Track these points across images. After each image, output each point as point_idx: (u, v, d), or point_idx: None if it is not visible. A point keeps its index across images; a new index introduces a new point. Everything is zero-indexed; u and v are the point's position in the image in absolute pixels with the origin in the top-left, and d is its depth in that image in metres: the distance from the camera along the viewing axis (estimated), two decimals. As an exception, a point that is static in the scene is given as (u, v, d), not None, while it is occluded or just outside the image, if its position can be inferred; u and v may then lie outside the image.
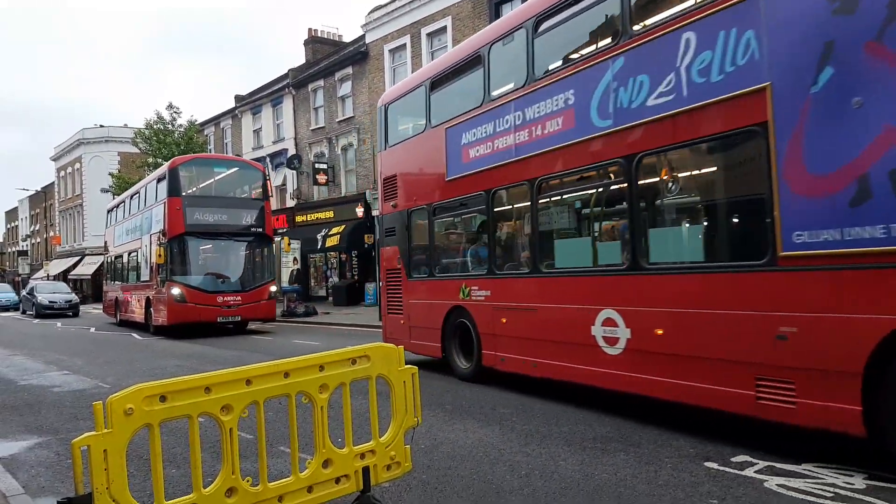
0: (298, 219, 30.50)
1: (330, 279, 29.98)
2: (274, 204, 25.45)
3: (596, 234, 6.85)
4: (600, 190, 6.89)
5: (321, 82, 30.08)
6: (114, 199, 29.27)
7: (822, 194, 4.47)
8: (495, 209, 8.13)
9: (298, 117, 31.49)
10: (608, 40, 6.44)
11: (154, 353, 13.73)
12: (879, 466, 4.39)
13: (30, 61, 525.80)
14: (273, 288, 18.54)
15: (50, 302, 30.05)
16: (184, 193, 17.85)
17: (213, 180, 19.50)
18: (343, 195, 28.29)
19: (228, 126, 37.51)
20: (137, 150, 34.80)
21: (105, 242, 26.34)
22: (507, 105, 7.68)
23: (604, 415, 6.41)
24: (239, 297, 17.40)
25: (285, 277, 24.05)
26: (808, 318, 4.54)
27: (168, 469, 4.56)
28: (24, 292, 35.65)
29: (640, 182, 6.01)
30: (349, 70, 28.21)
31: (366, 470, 3.74)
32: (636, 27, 6.05)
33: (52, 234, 58.96)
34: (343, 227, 26.41)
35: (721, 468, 4.66)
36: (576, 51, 7.07)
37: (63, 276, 49.90)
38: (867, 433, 4.26)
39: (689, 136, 5.52)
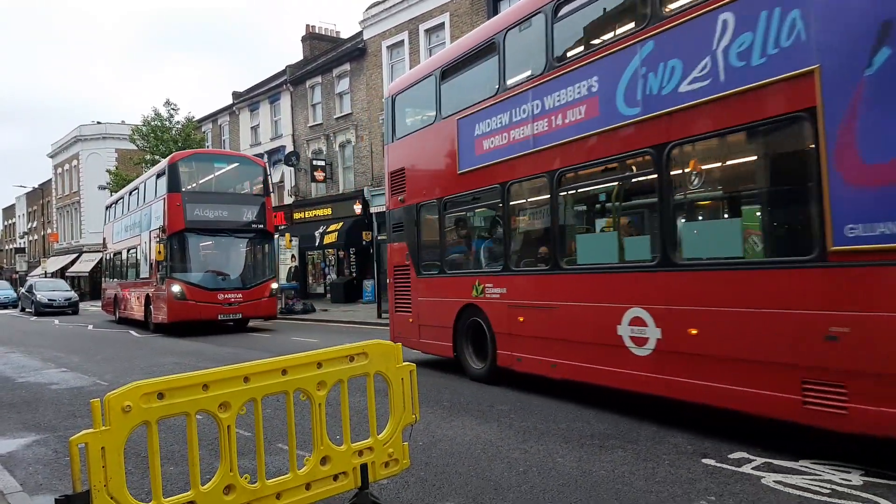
0: (296, 216, 30.12)
1: (328, 276, 29.71)
2: (272, 200, 25.11)
3: (622, 228, 6.50)
4: (628, 182, 6.54)
5: (319, 79, 29.66)
6: (111, 195, 28.92)
7: (877, 184, 4.17)
8: (511, 203, 7.79)
9: (296, 114, 31.09)
10: (635, 24, 6.11)
11: (152, 350, 13.54)
12: (876, 463, 4.41)
13: (29, 59, 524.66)
14: (274, 285, 18.25)
15: (49, 300, 29.72)
16: (184, 189, 17.50)
17: (213, 176, 19.15)
18: (341, 192, 27.97)
19: (226, 123, 37.08)
20: (135, 147, 34.39)
21: (103, 239, 25.98)
22: (524, 94, 7.34)
23: (601, 412, 6.37)
24: (240, 295, 17.09)
25: (283, 274, 23.78)
26: (862, 316, 4.25)
27: (166, 466, 4.55)
28: (22, 290, 35.25)
29: (672, 173, 5.68)
30: (347, 67, 27.83)
31: (364, 467, 3.75)
32: (667, 9, 5.72)
33: (49, 231, 58.62)
34: (341, 224, 26.15)
35: (718, 465, 4.66)
36: (599, 35, 6.74)
37: (61, 273, 49.61)
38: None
39: (727, 123, 5.18)
